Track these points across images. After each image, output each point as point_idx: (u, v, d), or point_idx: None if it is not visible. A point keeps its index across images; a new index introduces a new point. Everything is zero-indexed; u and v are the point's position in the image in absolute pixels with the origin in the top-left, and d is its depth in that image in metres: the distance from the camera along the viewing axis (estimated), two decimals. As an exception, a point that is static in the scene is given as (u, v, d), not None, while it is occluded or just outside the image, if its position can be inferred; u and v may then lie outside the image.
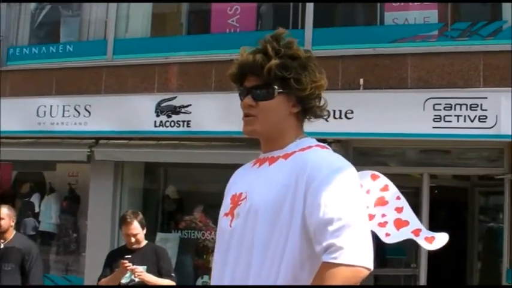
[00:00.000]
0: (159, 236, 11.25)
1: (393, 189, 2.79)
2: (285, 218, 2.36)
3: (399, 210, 2.76)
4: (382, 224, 2.75)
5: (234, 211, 2.52)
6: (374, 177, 2.77)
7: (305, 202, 2.34)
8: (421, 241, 2.79)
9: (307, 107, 2.56)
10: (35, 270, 7.10)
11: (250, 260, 2.39)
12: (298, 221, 2.35)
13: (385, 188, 2.77)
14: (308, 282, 2.32)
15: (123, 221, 6.69)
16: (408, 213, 2.78)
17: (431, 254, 9.61)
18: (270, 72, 2.47)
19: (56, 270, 12.19)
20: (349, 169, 2.44)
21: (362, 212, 2.39)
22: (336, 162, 2.45)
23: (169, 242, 11.08)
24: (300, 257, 2.34)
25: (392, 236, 2.74)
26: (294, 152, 2.51)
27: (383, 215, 2.71)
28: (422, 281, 9.57)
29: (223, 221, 2.58)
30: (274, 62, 2.47)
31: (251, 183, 2.53)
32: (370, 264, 2.27)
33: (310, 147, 2.52)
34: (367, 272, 2.26)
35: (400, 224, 2.75)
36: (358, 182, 2.48)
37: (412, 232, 2.75)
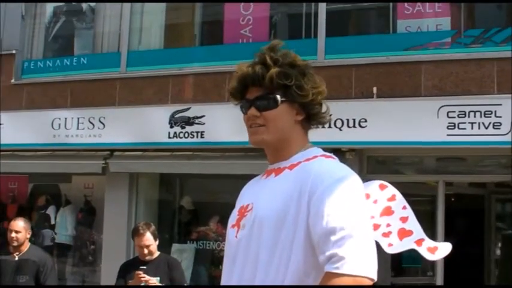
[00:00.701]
0: (175, 247, 11.26)
1: (400, 199, 2.75)
2: (289, 228, 2.35)
3: (404, 219, 2.73)
4: (386, 234, 2.71)
5: (240, 222, 2.53)
6: (382, 187, 2.74)
7: (309, 212, 2.33)
8: (423, 251, 2.74)
9: (311, 113, 2.56)
10: (50, 282, 7.14)
11: (255, 270, 2.39)
12: (302, 230, 2.34)
13: (392, 198, 2.73)
14: None
15: (136, 233, 6.69)
16: (413, 223, 2.74)
17: (448, 262, 9.57)
18: (272, 81, 2.47)
19: (73, 281, 12.23)
20: (352, 178, 2.41)
21: (366, 221, 2.36)
22: (339, 171, 2.43)
23: (185, 253, 11.09)
24: (304, 266, 2.33)
25: (394, 247, 2.70)
26: (300, 162, 2.50)
27: (388, 225, 2.67)
28: (439, 289, 9.53)
29: (230, 232, 2.58)
30: (275, 70, 2.47)
31: (257, 195, 2.54)
32: (374, 275, 2.24)
33: (315, 157, 2.51)
34: (370, 283, 2.23)
35: (403, 233, 2.71)
36: (363, 191, 2.45)
37: (415, 242, 2.70)
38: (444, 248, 2.74)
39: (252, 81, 2.53)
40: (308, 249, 2.33)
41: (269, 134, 2.52)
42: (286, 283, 2.32)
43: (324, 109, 2.60)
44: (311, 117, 2.57)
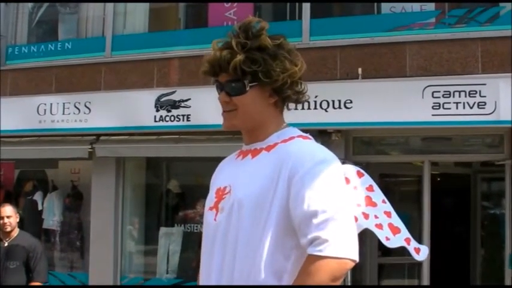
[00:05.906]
0: (162, 230, 11.29)
1: (377, 191, 2.78)
2: (267, 211, 2.36)
3: (388, 214, 2.76)
4: (379, 226, 2.74)
5: (218, 205, 2.52)
6: (360, 175, 2.75)
7: (288, 195, 2.34)
8: (411, 251, 2.81)
9: (283, 96, 2.53)
10: (40, 267, 7.17)
11: (235, 253, 2.40)
12: (280, 213, 2.35)
13: (370, 189, 2.75)
14: (293, 274, 2.32)
15: None
16: (397, 220, 2.79)
17: (434, 241, 9.64)
18: (236, 69, 2.44)
19: (61, 267, 12.21)
20: (332, 161, 2.42)
21: (347, 203, 2.38)
22: (319, 154, 2.43)
23: (172, 236, 11.12)
24: (282, 248, 2.35)
25: (392, 241, 2.74)
26: (277, 143, 2.49)
27: (376, 217, 2.70)
28: (426, 268, 9.60)
29: (208, 214, 2.58)
30: (239, 58, 2.43)
31: (235, 177, 2.53)
32: (356, 256, 2.28)
33: (292, 138, 2.51)
34: (352, 264, 2.27)
35: (393, 229, 2.75)
36: (342, 174, 2.46)
37: (405, 240, 2.77)
38: (424, 250, 2.83)
39: (219, 66, 2.49)
40: (287, 231, 2.35)
41: (239, 119, 2.52)
42: (265, 265, 2.33)
43: (299, 88, 2.56)
44: (284, 99, 2.55)
